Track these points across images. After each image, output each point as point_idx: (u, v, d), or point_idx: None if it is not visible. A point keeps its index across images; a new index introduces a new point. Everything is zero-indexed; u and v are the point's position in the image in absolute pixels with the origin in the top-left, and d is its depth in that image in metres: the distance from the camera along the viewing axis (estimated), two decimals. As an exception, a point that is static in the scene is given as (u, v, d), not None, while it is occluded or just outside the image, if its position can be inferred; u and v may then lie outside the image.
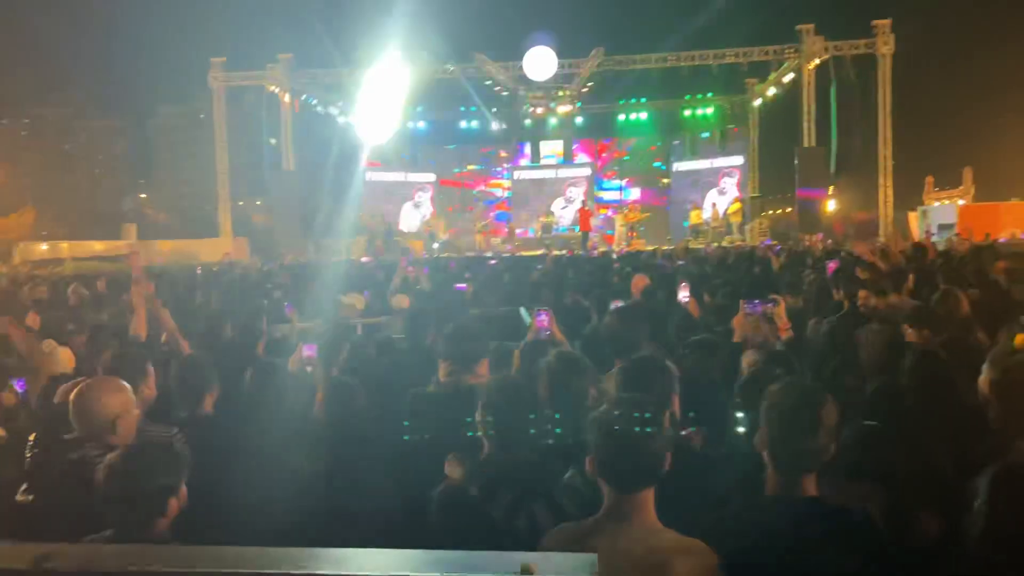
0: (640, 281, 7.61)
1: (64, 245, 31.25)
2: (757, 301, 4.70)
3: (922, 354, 3.63)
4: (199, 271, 14.41)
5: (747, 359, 3.91)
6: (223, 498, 2.69)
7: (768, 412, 2.37)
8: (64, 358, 4.58)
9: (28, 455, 3.08)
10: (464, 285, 9.41)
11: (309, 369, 4.36)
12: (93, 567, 1.02)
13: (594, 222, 26.35)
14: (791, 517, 2.26)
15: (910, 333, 4.50)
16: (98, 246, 30.80)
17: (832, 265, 7.83)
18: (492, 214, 30.51)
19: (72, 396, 3.13)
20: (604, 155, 31.46)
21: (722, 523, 2.34)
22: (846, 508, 2.31)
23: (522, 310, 7.21)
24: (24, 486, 2.96)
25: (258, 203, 35.29)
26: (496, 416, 2.75)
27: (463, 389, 3.42)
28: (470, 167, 31.92)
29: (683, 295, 6.17)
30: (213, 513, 2.58)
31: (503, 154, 31.59)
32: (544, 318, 4.48)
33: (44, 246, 31.43)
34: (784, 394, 2.39)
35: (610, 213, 29.16)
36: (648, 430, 2.29)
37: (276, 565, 1.00)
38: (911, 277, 6.40)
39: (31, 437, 3.12)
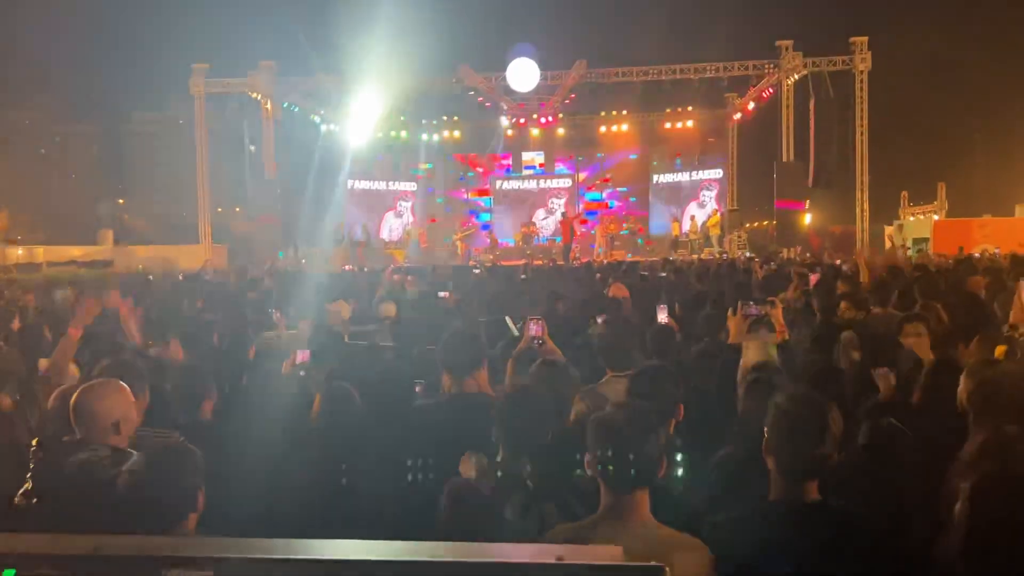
0: (618, 290, 7.68)
1: (39, 250, 30.85)
2: (753, 303, 4.79)
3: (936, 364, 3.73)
4: (181, 277, 14.32)
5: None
6: (227, 501, 2.72)
7: (775, 419, 2.43)
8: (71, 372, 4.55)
9: (32, 461, 3.03)
10: (446, 293, 9.44)
11: (303, 374, 4.40)
12: (146, 553, 1.07)
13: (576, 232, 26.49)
14: (795, 521, 2.32)
15: (906, 333, 4.60)
16: (74, 251, 30.46)
17: (813, 277, 7.97)
18: (472, 223, 30.54)
19: (74, 398, 3.12)
20: (585, 166, 31.64)
21: (727, 526, 2.40)
22: (849, 512, 2.38)
23: (507, 319, 7.27)
24: (26, 488, 2.95)
25: (237, 210, 35.04)
26: (512, 425, 2.79)
27: (467, 397, 3.46)
28: (452, 176, 31.96)
29: (661, 316, 6.05)
30: (218, 517, 2.61)
31: (485, 164, 31.71)
32: (537, 327, 4.53)
33: (19, 251, 31.02)
34: (791, 401, 2.46)
35: (591, 224, 29.37)
36: (644, 433, 2.38)
37: (319, 552, 1.06)
38: (896, 292, 6.51)
39: (33, 442, 3.09)
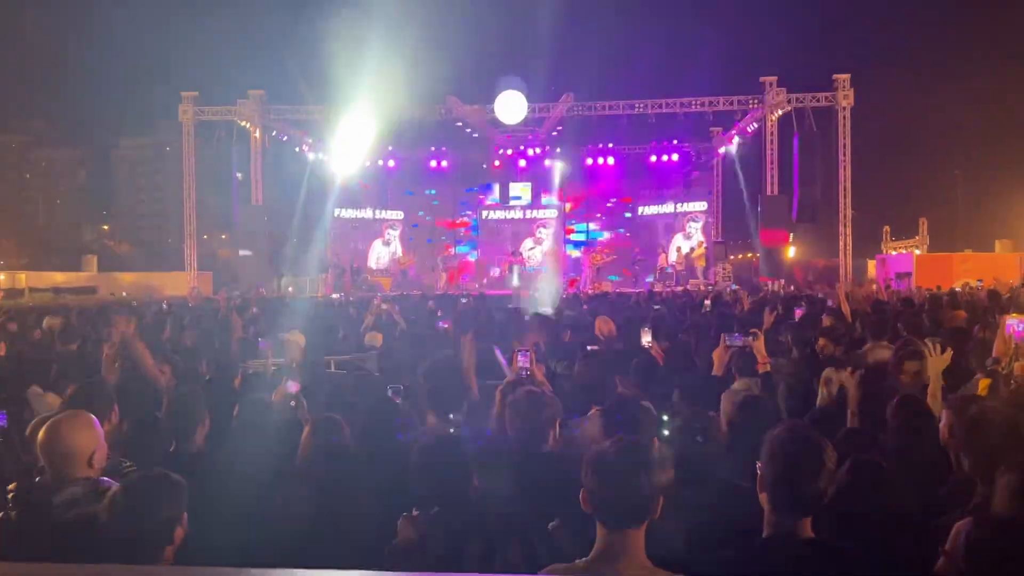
0: (604, 324, 7.70)
1: (22, 275, 30.62)
2: (738, 334, 4.82)
3: (903, 398, 3.75)
4: (165, 305, 14.19)
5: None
6: (218, 530, 2.70)
7: (772, 454, 2.39)
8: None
9: (11, 509, 2.85)
10: (446, 324, 9.42)
11: (292, 404, 4.38)
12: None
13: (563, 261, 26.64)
14: (791, 560, 2.29)
15: (906, 371, 4.64)
16: (58, 277, 30.27)
17: (799, 311, 8.02)
18: (456, 251, 30.60)
19: (43, 434, 2.99)
20: (572, 198, 31.84)
21: (721, 566, 2.37)
22: (842, 549, 2.36)
23: (496, 350, 7.27)
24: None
25: (223, 237, 34.95)
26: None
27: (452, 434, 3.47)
28: (439, 206, 32.07)
29: (645, 340, 6.03)
30: (207, 545, 2.59)
31: (472, 194, 31.89)
32: (525, 358, 4.54)
33: (1, 276, 30.78)
34: (788, 438, 2.41)
35: (578, 255, 29.50)
36: (641, 469, 2.36)
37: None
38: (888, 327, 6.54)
39: (10, 488, 2.92)
